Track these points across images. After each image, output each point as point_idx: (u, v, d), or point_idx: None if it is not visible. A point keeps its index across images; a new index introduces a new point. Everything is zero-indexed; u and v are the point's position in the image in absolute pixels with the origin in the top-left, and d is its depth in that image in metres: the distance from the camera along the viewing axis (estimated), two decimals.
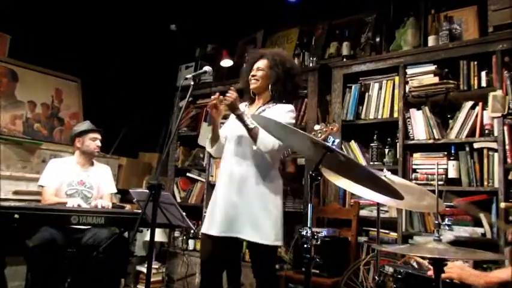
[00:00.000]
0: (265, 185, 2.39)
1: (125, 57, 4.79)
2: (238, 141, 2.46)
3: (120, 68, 4.79)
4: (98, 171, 3.45)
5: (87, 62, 4.60)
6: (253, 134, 2.35)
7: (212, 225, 2.43)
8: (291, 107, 2.49)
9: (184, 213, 2.45)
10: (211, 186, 4.22)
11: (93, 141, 3.37)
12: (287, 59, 2.55)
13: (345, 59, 3.66)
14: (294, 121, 2.46)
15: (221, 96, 2.42)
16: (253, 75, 2.52)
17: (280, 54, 2.57)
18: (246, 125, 2.35)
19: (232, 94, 2.35)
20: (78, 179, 3.32)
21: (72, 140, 3.41)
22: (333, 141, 1.85)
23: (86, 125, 3.43)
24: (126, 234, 3.03)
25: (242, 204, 2.37)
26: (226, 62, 4.37)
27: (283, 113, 2.44)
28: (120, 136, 4.81)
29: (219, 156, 2.94)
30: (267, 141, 2.31)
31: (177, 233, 4.33)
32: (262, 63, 2.53)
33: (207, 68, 2.31)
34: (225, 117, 2.60)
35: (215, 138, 2.54)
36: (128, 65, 4.83)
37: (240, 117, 2.35)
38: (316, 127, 2.34)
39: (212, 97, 2.45)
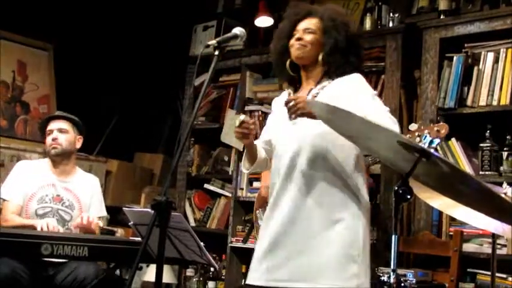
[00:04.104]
0: (348, 211, 2.39)
1: (115, 15, 4.87)
2: (305, 148, 2.46)
3: (109, 31, 4.88)
4: (81, 184, 3.50)
5: (64, 21, 4.69)
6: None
7: (260, 271, 2.41)
8: (361, 79, 2.52)
9: (202, 244, 2.49)
10: (239, 204, 4.29)
11: (48, 135, 3.41)
12: (349, 20, 2.62)
13: (443, 16, 3.62)
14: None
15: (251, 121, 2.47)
16: (298, 39, 2.53)
17: (339, 12, 2.62)
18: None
19: (296, 99, 2.34)
20: (54, 194, 3.39)
21: (42, 134, 3.51)
22: (431, 141, 1.83)
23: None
24: (117, 271, 3.09)
25: (309, 238, 2.37)
26: (264, 21, 4.39)
27: (367, 95, 2.45)
28: (108, 129, 4.91)
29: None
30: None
31: (190, 272, 4.39)
32: (311, 23, 2.55)
33: (238, 31, 2.32)
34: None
35: (252, 159, 2.61)
36: (120, 26, 4.91)
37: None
38: (413, 126, 2.34)
39: (244, 120, 2.44)
